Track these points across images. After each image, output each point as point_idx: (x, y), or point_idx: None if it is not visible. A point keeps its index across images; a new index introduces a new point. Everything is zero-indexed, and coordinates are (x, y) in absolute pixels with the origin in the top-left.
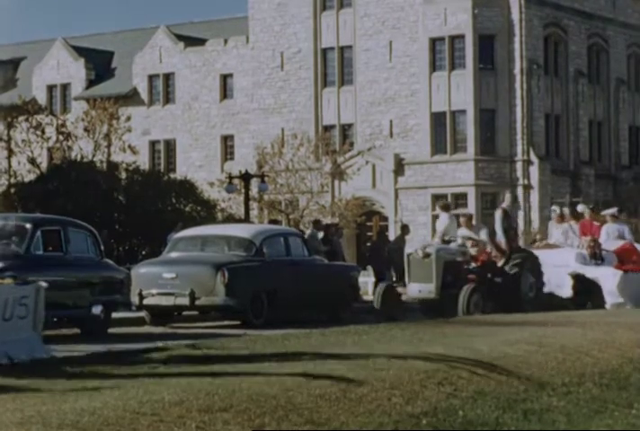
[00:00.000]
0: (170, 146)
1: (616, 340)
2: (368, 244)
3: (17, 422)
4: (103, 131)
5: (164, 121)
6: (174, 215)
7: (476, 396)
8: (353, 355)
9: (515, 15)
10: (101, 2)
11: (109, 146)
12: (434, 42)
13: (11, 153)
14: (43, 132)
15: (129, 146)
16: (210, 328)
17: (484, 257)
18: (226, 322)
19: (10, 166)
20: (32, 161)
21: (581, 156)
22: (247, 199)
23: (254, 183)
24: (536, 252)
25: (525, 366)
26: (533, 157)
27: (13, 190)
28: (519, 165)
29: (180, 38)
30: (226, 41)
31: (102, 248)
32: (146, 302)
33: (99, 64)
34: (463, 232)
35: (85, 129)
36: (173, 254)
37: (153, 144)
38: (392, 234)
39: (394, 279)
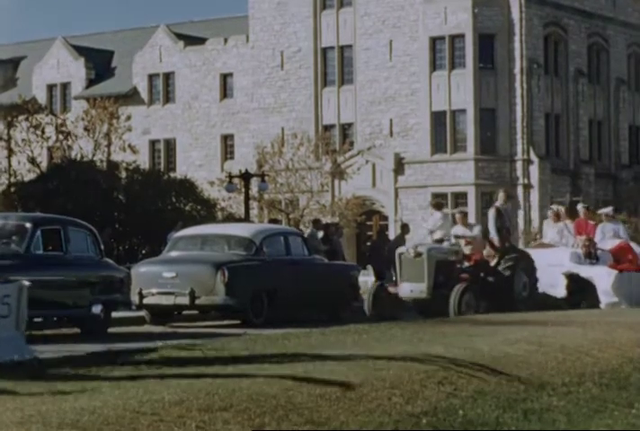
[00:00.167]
0: (170, 146)
1: (616, 340)
2: (369, 244)
3: (17, 421)
4: (103, 130)
5: (164, 120)
6: (174, 215)
7: (476, 396)
8: (353, 354)
9: (515, 14)
10: (101, 1)
11: (109, 146)
12: (434, 41)
13: (11, 152)
14: (43, 131)
15: (129, 146)
16: (210, 327)
17: (478, 256)
18: (226, 322)
19: (10, 165)
20: (32, 160)
21: (581, 156)
22: (247, 199)
23: (254, 182)
24: (530, 252)
25: (525, 366)
26: (533, 156)
27: (13, 190)
28: (519, 165)
29: (180, 37)
30: (226, 40)
31: (102, 247)
32: (146, 301)
33: (99, 63)
34: (458, 229)
35: (85, 129)
36: (173, 253)
37: (153, 143)
38: (392, 234)
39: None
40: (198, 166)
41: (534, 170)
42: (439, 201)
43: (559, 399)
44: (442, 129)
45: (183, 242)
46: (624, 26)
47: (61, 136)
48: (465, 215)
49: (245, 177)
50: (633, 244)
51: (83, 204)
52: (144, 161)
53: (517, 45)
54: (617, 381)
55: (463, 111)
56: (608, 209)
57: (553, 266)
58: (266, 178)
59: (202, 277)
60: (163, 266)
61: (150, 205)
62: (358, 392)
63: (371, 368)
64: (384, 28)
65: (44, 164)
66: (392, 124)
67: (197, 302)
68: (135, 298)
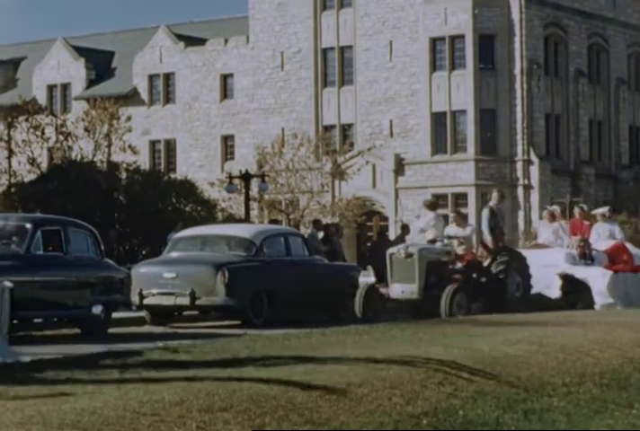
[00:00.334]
0: (170, 146)
1: (616, 340)
2: (369, 244)
3: (17, 422)
4: (104, 131)
5: (164, 121)
6: (175, 215)
7: (477, 396)
8: (353, 354)
9: (515, 15)
10: (101, 2)
11: (109, 146)
12: (434, 42)
13: (11, 153)
14: (43, 132)
15: (130, 146)
16: (211, 328)
17: (470, 256)
18: (226, 322)
19: (10, 166)
20: (32, 161)
21: (581, 156)
22: (247, 199)
23: (255, 183)
24: (524, 252)
25: (525, 366)
26: (533, 157)
27: (13, 190)
28: (519, 165)
29: (180, 38)
30: (226, 41)
31: (103, 248)
32: (146, 301)
33: (99, 64)
34: (450, 229)
35: (86, 129)
36: (174, 254)
37: (153, 144)
38: (392, 234)
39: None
40: (198, 167)
41: (534, 170)
42: (434, 201)
43: (559, 399)
44: (442, 130)
45: (184, 243)
46: (624, 26)
47: (61, 137)
48: (459, 214)
49: (246, 177)
50: (628, 245)
51: (83, 204)
52: (144, 161)
53: (517, 46)
54: (618, 381)
55: (463, 112)
56: (604, 209)
57: (547, 266)
58: (266, 178)
59: (202, 277)
60: (163, 266)
61: (150, 205)
62: (358, 393)
63: (371, 368)
64: (384, 28)
65: (44, 165)
66: (392, 125)
67: (197, 302)
68: (135, 299)
